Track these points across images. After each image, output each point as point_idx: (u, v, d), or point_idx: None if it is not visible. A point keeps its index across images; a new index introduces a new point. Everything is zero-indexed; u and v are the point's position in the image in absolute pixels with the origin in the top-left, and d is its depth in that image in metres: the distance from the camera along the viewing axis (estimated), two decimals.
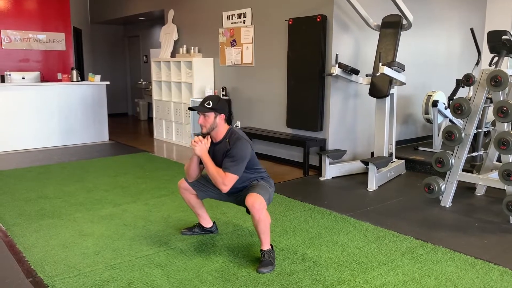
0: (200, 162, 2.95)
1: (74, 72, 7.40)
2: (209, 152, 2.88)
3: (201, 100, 2.97)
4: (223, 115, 2.89)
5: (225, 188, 2.81)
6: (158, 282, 2.61)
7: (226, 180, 2.78)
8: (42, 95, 6.92)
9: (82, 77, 8.20)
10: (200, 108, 2.85)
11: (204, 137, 2.90)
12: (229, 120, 6.56)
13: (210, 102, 2.84)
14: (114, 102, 10.79)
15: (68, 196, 4.36)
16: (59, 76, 7.73)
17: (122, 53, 11.75)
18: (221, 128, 2.91)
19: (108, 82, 7.65)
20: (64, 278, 2.65)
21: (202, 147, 2.84)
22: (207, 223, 3.31)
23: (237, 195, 2.98)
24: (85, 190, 4.57)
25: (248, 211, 2.80)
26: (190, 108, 3.10)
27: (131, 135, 8.72)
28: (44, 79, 7.58)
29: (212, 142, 2.93)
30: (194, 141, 2.85)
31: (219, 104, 2.86)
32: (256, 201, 2.70)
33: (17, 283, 2.63)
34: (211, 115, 2.84)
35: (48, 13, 8.30)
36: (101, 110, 7.54)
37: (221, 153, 2.90)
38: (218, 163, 2.87)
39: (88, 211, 3.91)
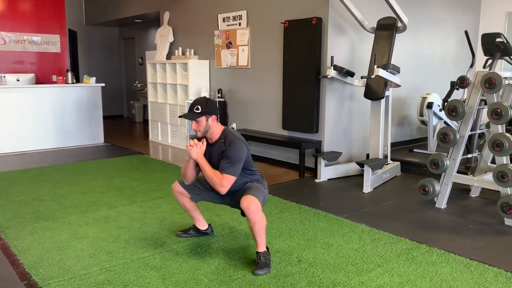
0: (197, 165, 2.94)
1: (69, 74, 7.38)
2: (205, 153, 2.88)
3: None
4: (214, 116, 2.88)
5: (223, 190, 2.81)
6: (153, 285, 2.60)
7: (224, 182, 2.78)
8: (37, 97, 6.89)
9: (77, 79, 8.18)
10: (190, 116, 2.85)
11: (199, 140, 2.90)
12: (224, 122, 6.56)
13: (199, 106, 2.83)
14: (109, 104, 10.75)
15: (63, 198, 4.34)
16: (54, 78, 7.72)
17: (117, 55, 11.72)
18: (215, 129, 2.90)
19: (103, 84, 7.62)
20: (58, 281, 2.64)
21: (197, 150, 2.84)
22: (203, 225, 3.30)
23: (232, 197, 2.98)
24: (80, 192, 4.55)
25: (243, 214, 2.80)
26: (180, 117, 3.09)
27: (127, 137, 8.69)
28: (39, 81, 7.55)
29: (208, 143, 2.93)
30: (190, 145, 2.85)
31: (207, 106, 2.85)
32: (251, 203, 2.70)
33: (11, 286, 2.61)
34: (203, 119, 2.84)
35: (43, 15, 8.27)
36: (96, 112, 7.52)
37: (217, 153, 2.89)
38: (215, 164, 2.87)
39: (83, 213, 3.89)
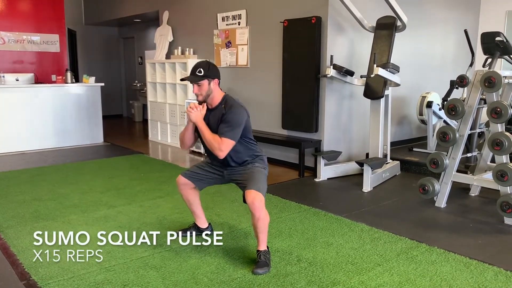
0: (196, 130, 2.90)
1: (69, 74, 7.36)
2: (204, 118, 2.83)
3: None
4: (216, 79, 2.83)
5: (222, 154, 2.76)
6: (153, 284, 2.60)
7: (223, 146, 2.73)
8: (36, 97, 6.88)
9: (77, 79, 8.16)
10: (192, 78, 2.79)
11: (200, 104, 2.85)
12: None
13: (201, 69, 2.78)
14: (108, 103, 10.71)
15: (63, 198, 4.34)
16: (53, 77, 7.70)
17: (116, 55, 11.71)
18: (216, 94, 2.85)
19: (102, 84, 7.61)
20: (58, 280, 2.64)
21: (197, 113, 2.78)
22: (203, 223, 3.29)
23: (234, 175, 2.95)
24: (80, 192, 4.55)
25: (245, 201, 2.79)
26: (182, 79, 2.99)
27: (126, 136, 8.70)
28: (38, 80, 7.53)
29: (207, 108, 2.87)
30: (190, 107, 2.79)
31: (210, 70, 2.80)
32: (256, 198, 2.69)
33: (11, 286, 2.61)
34: (205, 82, 2.78)
35: (42, 14, 8.26)
36: (95, 112, 7.50)
37: (216, 119, 2.84)
38: (214, 130, 2.81)
39: (83, 213, 3.89)
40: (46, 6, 8.29)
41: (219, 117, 2.82)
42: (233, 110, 2.79)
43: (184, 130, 2.95)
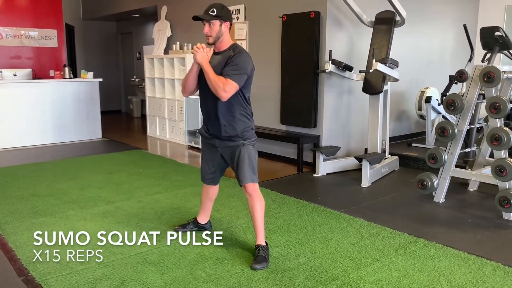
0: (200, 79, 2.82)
1: (67, 69, 7.35)
2: (209, 62, 2.76)
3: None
4: (228, 22, 2.78)
5: (225, 95, 2.67)
6: (151, 280, 2.60)
7: (227, 87, 2.65)
8: (34, 92, 6.86)
9: (75, 74, 8.15)
10: (205, 16, 2.73)
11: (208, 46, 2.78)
12: None
13: (215, 9, 2.72)
14: (107, 99, 10.71)
15: (61, 193, 4.33)
16: (52, 73, 7.68)
17: (115, 50, 11.68)
18: (226, 38, 2.80)
19: (101, 79, 7.59)
20: (56, 276, 2.64)
21: (203, 54, 2.71)
22: (205, 219, 3.29)
23: (226, 156, 2.92)
24: (78, 187, 4.54)
25: (240, 184, 2.86)
26: (194, 17, 2.83)
27: (125, 132, 8.68)
28: (36, 76, 7.51)
29: (214, 51, 2.83)
30: (196, 47, 2.72)
31: (223, 11, 2.76)
32: (254, 189, 2.80)
33: (9, 282, 2.61)
34: (216, 23, 2.73)
35: (40, 9, 8.22)
36: (94, 107, 7.49)
37: (222, 62, 2.76)
38: (217, 73, 2.72)
39: (81, 208, 3.88)
40: (44, 1, 8.26)
41: (225, 60, 2.73)
42: (242, 54, 2.73)
43: (188, 73, 2.85)
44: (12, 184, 4.68)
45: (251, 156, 2.86)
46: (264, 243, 2.85)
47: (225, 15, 2.75)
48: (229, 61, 2.71)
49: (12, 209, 3.86)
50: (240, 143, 2.85)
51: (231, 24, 2.82)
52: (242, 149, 2.85)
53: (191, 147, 6.68)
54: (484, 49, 5.29)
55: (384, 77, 4.90)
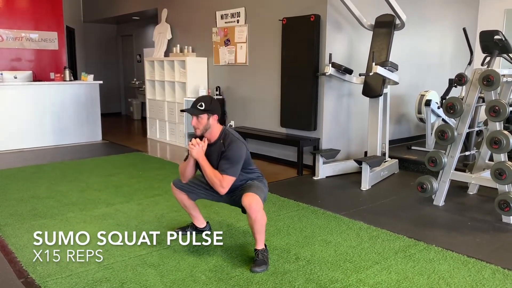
0: (196, 164, 2.93)
1: (67, 72, 7.35)
2: (205, 153, 2.86)
3: (194, 100, 2.94)
4: (216, 115, 2.88)
5: (223, 191, 2.81)
6: (151, 282, 2.60)
7: (224, 183, 2.78)
8: (34, 94, 6.87)
9: (75, 77, 8.15)
10: (193, 111, 2.84)
11: (200, 139, 2.87)
12: (223, 120, 6.55)
13: (203, 103, 2.83)
14: (107, 101, 10.71)
15: (61, 196, 4.33)
16: (52, 75, 7.67)
17: (115, 52, 11.69)
18: (215, 129, 2.89)
19: (101, 82, 7.60)
20: (56, 278, 2.64)
21: (199, 150, 2.82)
22: (201, 223, 3.29)
23: (231, 195, 2.97)
24: (78, 190, 4.54)
25: (243, 211, 2.80)
26: (182, 110, 3.11)
27: (125, 134, 8.69)
28: (36, 78, 7.52)
29: (208, 144, 2.91)
30: (192, 144, 2.83)
31: (211, 105, 2.85)
32: (253, 201, 2.71)
33: (8, 284, 2.61)
34: (204, 116, 2.83)
35: (40, 12, 8.23)
36: (94, 109, 7.49)
37: (216, 154, 2.88)
38: (213, 164, 2.86)
39: (81, 211, 3.88)
40: (44, 4, 8.27)
41: (219, 153, 2.86)
42: (232, 146, 2.82)
43: (185, 164, 2.97)
44: (12, 186, 4.68)
45: (260, 185, 2.93)
46: (263, 247, 2.85)
47: (213, 109, 2.85)
48: (222, 154, 2.83)
49: (12, 211, 3.86)
50: (250, 181, 2.96)
51: (219, 116, 2.92)
52: (252, 182, 2.96)
53: None
54: (483, 52, 5.31)
55: (384, 80, 4.91)
